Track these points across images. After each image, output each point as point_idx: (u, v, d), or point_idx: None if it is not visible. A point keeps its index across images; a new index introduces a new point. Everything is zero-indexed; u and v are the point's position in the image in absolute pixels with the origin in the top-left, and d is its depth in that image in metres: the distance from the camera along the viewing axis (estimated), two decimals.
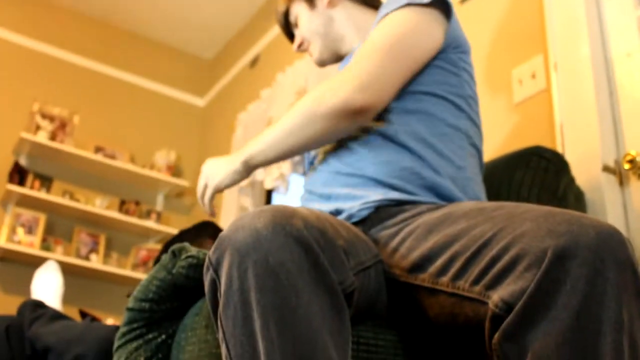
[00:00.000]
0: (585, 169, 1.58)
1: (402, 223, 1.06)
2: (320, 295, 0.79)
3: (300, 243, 0.80)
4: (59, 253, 3.58)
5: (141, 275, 3.69)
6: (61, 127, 3.76)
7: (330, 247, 0.84)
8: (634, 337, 0.75)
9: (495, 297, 0.81)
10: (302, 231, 0.81)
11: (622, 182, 1.56)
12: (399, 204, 1.13)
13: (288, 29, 1.56)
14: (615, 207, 1.54)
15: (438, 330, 1.00)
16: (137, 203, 3.90)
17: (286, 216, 0.82)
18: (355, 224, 1.13)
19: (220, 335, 0.81)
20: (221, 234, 0.84)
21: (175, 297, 1.02)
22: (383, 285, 1.02)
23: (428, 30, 1.20)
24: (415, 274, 0.97)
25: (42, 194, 3.54)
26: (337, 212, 1.16)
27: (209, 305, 0.85)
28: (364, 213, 1.13)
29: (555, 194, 1.42)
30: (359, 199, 1.15)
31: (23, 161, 3.72)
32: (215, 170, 1.28)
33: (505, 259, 0.82)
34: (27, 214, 3.59)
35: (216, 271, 0.82)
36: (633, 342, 0.75)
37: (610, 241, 0.77)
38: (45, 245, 3.57)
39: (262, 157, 1.22)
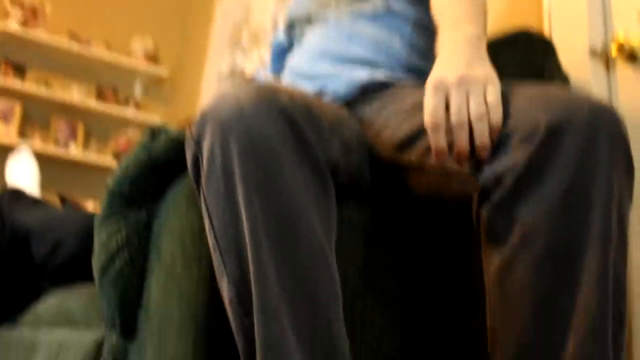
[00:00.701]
0: (571, 53, 1.55)
1: (388, 103, 1.04)
2: (305, 171, 0.78)
3: (284, 116, 0.78)
4: (37, 142, 3.54)
5: None
6: (32, 14, 3.63)
7: (315, 122, 0.82)
8: (622, 211, 0.76)
9: (486, 171, 0.81)
10: (287, 105, 0.79)
11: (608, 67, 1.54)
12: (385, 84, 1.11)
13: None
14: (601, 92, 1.53)
15: (422, 207, 1.00)
16: (115, 91, 3.83)
17: (270, 91, 0.80)
18: (340, 104, 1.12)
19: (204, 209, 0.80)
20: (203, 108, 0.81)
21: (155, 177, 1.01)
22: (367, 164, 1.02)
23: None
24: (401, 152, 0.96)
25: (16, 83, 3.46)
26: (321, 92, 1.14)
27: (192, 179, 0.84)
28: (350, 93, 1.11)
29: (541, 77, 1.40)
30: (344, 78, 1.13)
31: None
32: (481, 71, 0.84)
33: (498, 134, 0.81)
34: (1, 103, 3.52)
35: (198, 146, 0.81)
36: (621, 215, 0.76)
37: (604, 117, 0.77)
38: (22, 134, 3.53)
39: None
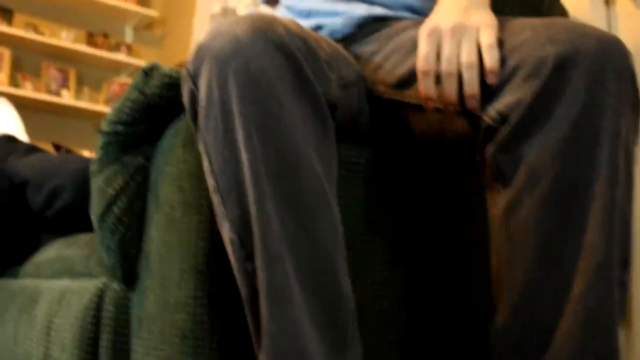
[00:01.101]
0: None
1: (386, 39, 1.02)
2: (303, 105, 0.76)
3: (282, 49, 0.76)
4: (28, 89, 3.49)
5: None
6: None
7: (312, 57, 0.80)
8: (629, 147, 0.75)
9: (490, 109, 0.79)
10: (284, 38, 0.76)
11: (608, 2, 1.52)
12: (383, 20, 1.08)
13: None
14: (600, 27, 1.50)
15: (422, 147, 0.99)
16: (105, 35, 3.77)
17: (267, 23, 0.77)
18: (337, 41, 1.09)
19: (202, 148, 0.79)
20: (199, 43, 0.79)
21: (150, 119, 0.99)
22: (365, 103, 1.00)
23: None
24: (401, 90, 0.94)
25: (3, 27, 3.39)
26: (317, 29, 1.11)
27: (189, 117, 0.82)
28: (347, 30, 1.08)
29: (540, 11, 1.38)
30: (341, 14, 1.10)
31: None
32: (477, 18, 0.84)
33: (503, 71, 0.79)
34: None
35: (194, 82, 0.78)
36: (628, 152, 0.75)
37: (612, 50, 0.75)
38: (13, 82, 3.48)
39: None
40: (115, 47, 3.74)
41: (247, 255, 0.75)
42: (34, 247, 1.55)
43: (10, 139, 1.96)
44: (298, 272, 0.73)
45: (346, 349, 0.76)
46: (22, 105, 3.39)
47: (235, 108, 0.74)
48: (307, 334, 0.72)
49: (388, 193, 0.99)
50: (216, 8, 3.09)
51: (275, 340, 0.72)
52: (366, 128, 1.01)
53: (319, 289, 0.74)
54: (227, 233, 0.77)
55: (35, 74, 3.60)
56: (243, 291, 0.77)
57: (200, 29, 3.29)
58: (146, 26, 3.95)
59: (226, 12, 3.17)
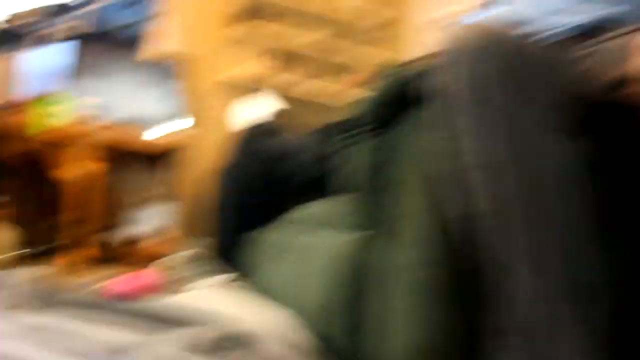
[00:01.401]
0: None
1: (605, 43, 1.07)
2: (541, 110, 0.85)
3: (511, 55, 0.85)
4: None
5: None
6: None
7: (539, 60, 0.89)
8: None
9: None
10: (513, 44, 0.87)
11: None
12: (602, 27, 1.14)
13: None
14: None
15: None
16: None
17: (498, 30, 0.88)
18: (556, 43, 1.16)
19: (447, 134, 0.90)
20: (446, 44, 0.90)
21: (393, 108, 1.13)
22: (582, 104, 1.00)
23: None
24: (620, 91, 0.99)
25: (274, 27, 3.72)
26: (537, 33, 1.13)
27: (436, 110, 0.94)
28: (566, 34, 1.17)
29: None
30: (562, 22, 1.19)
31: None
32: None
33: None
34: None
35: (434, 81, 0.91)
36: None
37: None
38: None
39: None
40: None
41: (486, 228, 0.84)
42: (282, 210, 1.77)
43: (265, 122, 2.26)
44: (534, 248, 0.80)
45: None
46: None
47: (477, 107, 0.85)
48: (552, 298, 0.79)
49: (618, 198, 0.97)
50: (437, 13, 3.17)
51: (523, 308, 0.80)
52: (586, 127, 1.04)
53: (558, 268, 0.80)
54: (466, 207, 0.87)
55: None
56: (478, 263, 0.86)
57: (423, 32, 3.40)
58: (378, 27, 4.12)
59: (447, 18, 3.22)
